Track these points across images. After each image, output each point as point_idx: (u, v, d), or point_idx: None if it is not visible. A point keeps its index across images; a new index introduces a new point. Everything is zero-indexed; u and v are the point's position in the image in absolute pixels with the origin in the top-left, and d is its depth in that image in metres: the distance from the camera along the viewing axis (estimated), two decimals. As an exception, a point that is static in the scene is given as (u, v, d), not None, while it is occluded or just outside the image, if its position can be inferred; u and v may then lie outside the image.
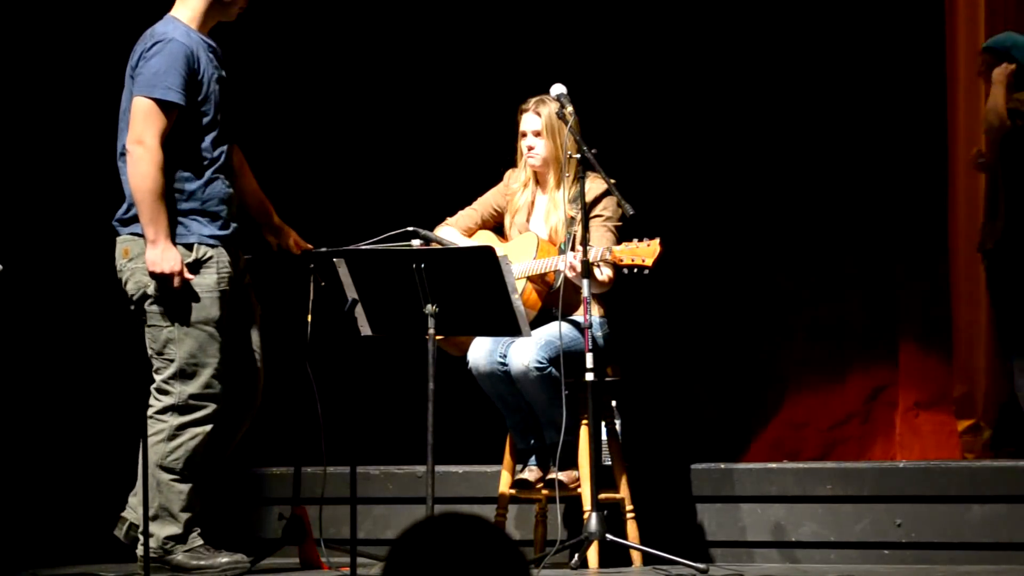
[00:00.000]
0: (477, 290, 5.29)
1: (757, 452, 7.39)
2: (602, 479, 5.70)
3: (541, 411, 5.79)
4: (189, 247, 5.39)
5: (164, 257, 5.31)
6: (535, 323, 5.79)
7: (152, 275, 5.33)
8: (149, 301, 5.38)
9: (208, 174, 5.43)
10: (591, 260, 5.58)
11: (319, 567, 5.71)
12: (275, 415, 6.87)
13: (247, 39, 7.67)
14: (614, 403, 6.07)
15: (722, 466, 6.24)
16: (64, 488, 7.06)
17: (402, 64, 7.83)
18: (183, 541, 5.43)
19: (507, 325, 5.38)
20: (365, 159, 7.77)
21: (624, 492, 5.88)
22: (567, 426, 5.67)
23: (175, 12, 5.51)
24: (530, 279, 5.85)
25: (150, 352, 5.43)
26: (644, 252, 5.60)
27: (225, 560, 5.46)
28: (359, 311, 5.40)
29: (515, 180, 6.08)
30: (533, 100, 5.96)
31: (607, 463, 5.96)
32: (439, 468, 5.40)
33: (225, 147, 5.48)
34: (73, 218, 7.26)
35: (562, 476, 5.79)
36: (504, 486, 5.97)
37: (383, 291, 5.37)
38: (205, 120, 5.42)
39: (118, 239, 5.49)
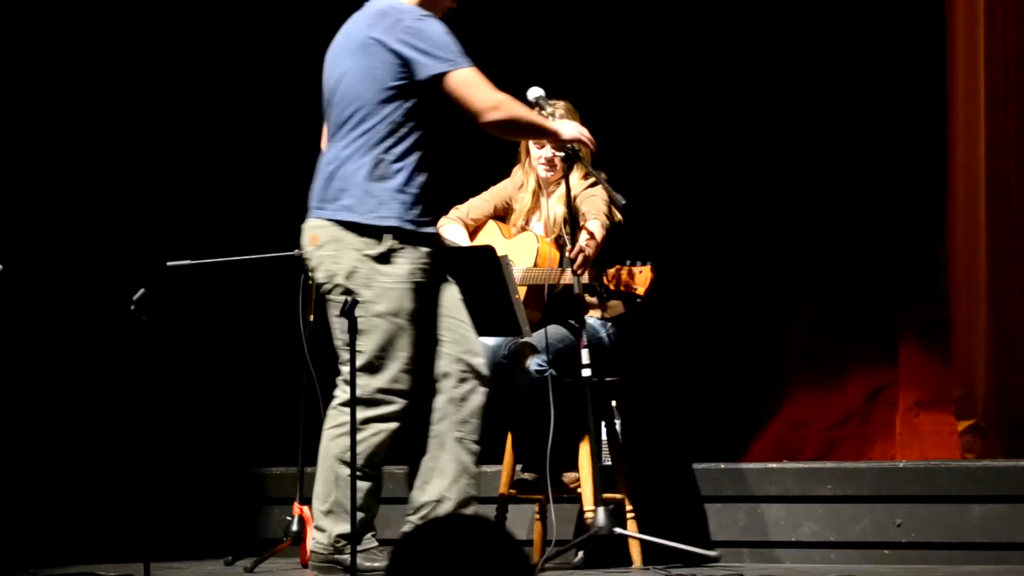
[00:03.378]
0: (477, 290, 5.28)
1: (757, 452, 7.39)
2: (602, 479, 5.69)
3: (541, 411, 5.79)
4: (378, 235, 4.98)
5: (565, 128, 5.29)
6: (537, 326, 5.79)
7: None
8: (339, 290, 5.00)
9: (419, 161, 5.08)
10: (580, 293, 5.56)
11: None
12: (275, 415, 6.87)
13: (249, 37, 7.68)
14: (614, 403, 6.06)
15: (722, 466, 6.24)
16: (64, 488, 7.06)
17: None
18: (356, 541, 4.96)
19: (507, 325, 5.37)
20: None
21: (624, 492, 5.87)
22: (567, 426, 5.67)
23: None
24: (529, 287, 5.83)
25: (337, 343, 5.05)
26: (635, 281, 5.57)
27: None
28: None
29: (520, 180, 6.08)
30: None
31: (607, 463, 5.95)
32: (439, 468, 5.38)
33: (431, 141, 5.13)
34: (71, 218, 7.26)
35: (562, 476, 5.79)
36: (504, 486, 5.96)
37: (383, 291, 5.36)
38: (431, 111, 5.10)
39: (305, 225, 5.08)
